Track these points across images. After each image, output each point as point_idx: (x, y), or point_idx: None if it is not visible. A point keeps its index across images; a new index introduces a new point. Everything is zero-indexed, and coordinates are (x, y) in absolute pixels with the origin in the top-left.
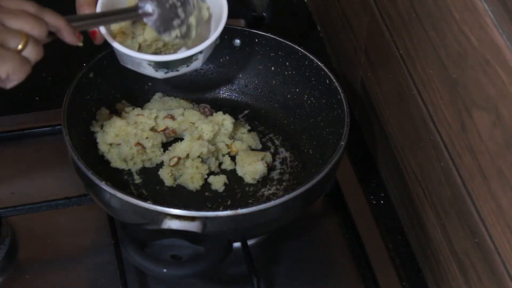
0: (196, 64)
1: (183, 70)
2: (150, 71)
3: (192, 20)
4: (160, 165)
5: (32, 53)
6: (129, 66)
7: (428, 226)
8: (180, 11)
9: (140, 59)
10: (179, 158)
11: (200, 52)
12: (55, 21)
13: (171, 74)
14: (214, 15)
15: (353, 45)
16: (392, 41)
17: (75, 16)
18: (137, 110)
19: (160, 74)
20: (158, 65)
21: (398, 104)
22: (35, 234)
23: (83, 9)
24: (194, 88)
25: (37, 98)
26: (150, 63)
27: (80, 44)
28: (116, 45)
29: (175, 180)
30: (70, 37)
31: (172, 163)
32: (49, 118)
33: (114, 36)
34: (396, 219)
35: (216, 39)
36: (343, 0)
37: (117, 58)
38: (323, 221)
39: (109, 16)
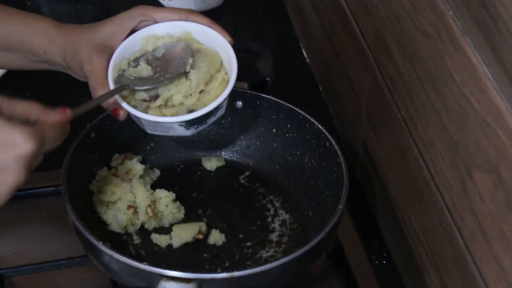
0: (221, 112)
1: (211, 120)
2: (181, 131)
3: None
4: (157, 229)
5: None
6: (158, 132)
7: (430, 286)
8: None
9: (172, 122)
10: (149, 206)
11: (225, 99)
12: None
13: (201, 128)
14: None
15: (355, 105)
16: (394, 102)
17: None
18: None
19: (191, 131)
20: (190, 123)
21: (400, 165)
22: None
23: (98, 91)
24: (196, 149)
25: None
26: (182, 123)
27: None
28: (147, 116)
29: (170, 239)
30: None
31: (150, 213)
32: (51, 178)
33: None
34: (399, 280)
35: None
36: (344, 61)
37: (141, 127)
38: (326, 281)
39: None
